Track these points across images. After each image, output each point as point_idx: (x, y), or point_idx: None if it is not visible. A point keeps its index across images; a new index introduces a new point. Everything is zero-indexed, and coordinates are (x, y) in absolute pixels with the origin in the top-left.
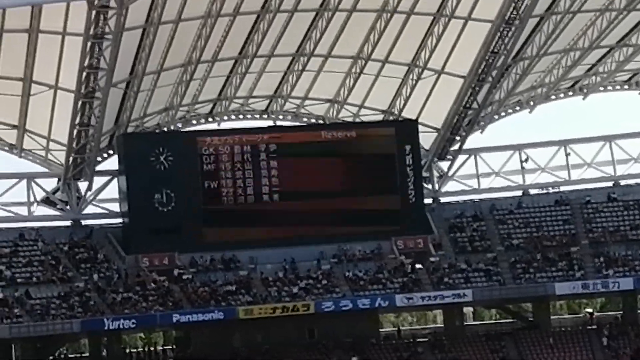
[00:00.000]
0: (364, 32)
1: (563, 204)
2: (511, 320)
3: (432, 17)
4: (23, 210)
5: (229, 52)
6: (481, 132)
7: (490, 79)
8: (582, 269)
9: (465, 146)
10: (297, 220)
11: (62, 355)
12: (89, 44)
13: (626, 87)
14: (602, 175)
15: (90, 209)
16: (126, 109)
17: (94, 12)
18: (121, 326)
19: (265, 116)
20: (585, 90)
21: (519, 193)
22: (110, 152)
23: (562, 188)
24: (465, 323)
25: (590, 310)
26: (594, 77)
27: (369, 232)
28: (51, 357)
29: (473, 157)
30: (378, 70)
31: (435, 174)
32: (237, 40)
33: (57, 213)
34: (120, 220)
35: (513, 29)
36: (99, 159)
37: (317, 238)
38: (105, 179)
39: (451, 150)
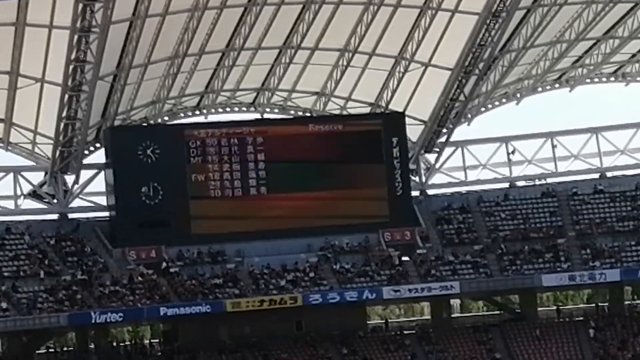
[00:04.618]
0: (351, 25)
1: (550, 195)
2: (498, 312)
3: (419, 10)
4: (10, 204)
5: (216, 45)
6: (468, 125)
7: (477, 71)
8: (569, 260)
9: (452, 138)
10: (285, 213)
11: (49, 349)
12: (75, 37)
13: (612, 79)
14: (588, 167)
15: (77, 203)
16: (113, 102)
17: (80, 5)
18: (108, 320)
19: (253, 109)
20: (571, 83)
21: (506, 185)
22: (97, 145)
23: (549, 180)
24: (452, 315)
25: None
26: (580, 69)
27: (356, 225)
28: (38, 351)
29: (460, 149)
30: (365, 62)
31: (423, 166)
32: (224, 33)
33: (44, 206)
34: (107, 213)
35: (500, 21)
36: (86, 152)
37: (304, 231)
38: (92, 172)
39: (438, 143)
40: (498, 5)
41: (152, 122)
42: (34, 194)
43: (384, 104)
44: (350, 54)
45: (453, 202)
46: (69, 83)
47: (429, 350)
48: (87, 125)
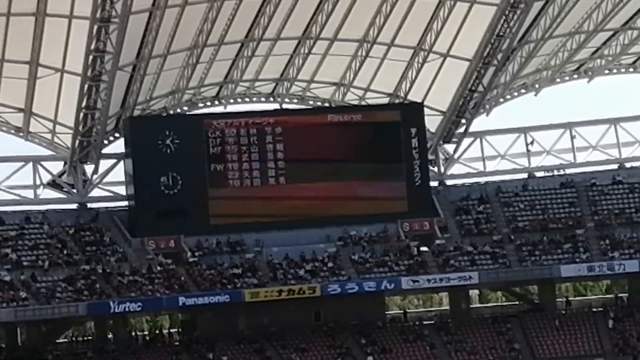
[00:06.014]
0: (370, 16)
1: (568, 186)
2: (517, 302)
3: (437, 1)
4: (29, 194)
5: (235, 35)
6: (487, 115)
7: (495, 62)
8: (588, 251)
9: (470, 129)
10: (303, 203)
11: (68, 339)
12: (95, 27)
13: (631, 70)
14: (607, 158)
15: (96, 192)
16: (132, 92)
17: None
18: (127, 309)
19: (272, 99)
20: (590, 73)
21: (525, 175)
22: (117, 135)
23: (568, 170)
24: (471, 305)
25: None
26: (599, 60)
27: (375, 215)
28: (57, 341)
29: (479, 139)
30: (384, 53)
31: (441, 156)
32: (244, 23)
33: (63, 196)
34: (126, 203)
35: (518, 12)
36: (105, 142)
37: (323, 221)
38: (112, 162)
39: (457, 133)
40: None
41: (171, 112)
42: (54, 184)
43: (402, 95)
44: (369, 45)
45: (472, 193)
46: (89, 73)
47: (447, 340)
48: (106, 115)
